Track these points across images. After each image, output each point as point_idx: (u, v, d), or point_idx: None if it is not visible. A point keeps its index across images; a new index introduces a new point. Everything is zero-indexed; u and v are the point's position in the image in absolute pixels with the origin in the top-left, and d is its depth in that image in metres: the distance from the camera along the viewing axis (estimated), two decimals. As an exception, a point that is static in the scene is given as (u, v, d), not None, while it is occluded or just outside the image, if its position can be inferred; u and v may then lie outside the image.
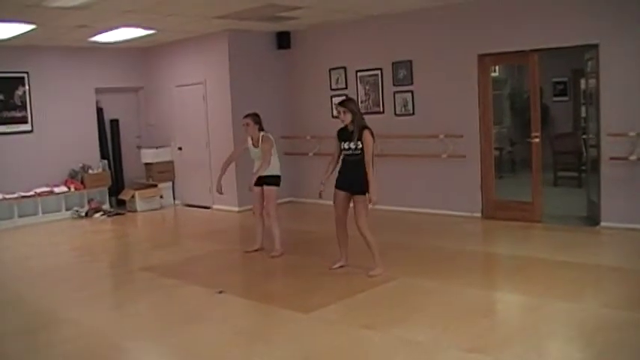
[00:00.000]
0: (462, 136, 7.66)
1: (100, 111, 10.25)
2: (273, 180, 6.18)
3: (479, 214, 7.67)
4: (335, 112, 5.46)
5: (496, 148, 8.56)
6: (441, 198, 7.99)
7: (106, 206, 9.88)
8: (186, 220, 9.33)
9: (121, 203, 10.08)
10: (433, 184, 8.08)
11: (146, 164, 10.32)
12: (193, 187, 10.07)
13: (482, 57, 7.47)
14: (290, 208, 9.39)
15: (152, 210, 9.87)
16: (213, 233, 7.87)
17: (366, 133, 5.17)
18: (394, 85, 8.37)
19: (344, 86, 9.00)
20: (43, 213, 9.25)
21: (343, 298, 4.76)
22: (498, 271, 5.68)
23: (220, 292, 5.03)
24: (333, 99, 9.04)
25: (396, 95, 8.36)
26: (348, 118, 5.23)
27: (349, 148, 5.24)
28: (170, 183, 10.36)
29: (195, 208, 9.91)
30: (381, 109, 8.57)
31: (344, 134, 5.33)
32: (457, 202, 7.83)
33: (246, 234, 7.66)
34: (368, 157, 5.18)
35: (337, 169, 5.43)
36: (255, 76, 9.38)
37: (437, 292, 4.84)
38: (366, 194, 5.19)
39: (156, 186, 10.17)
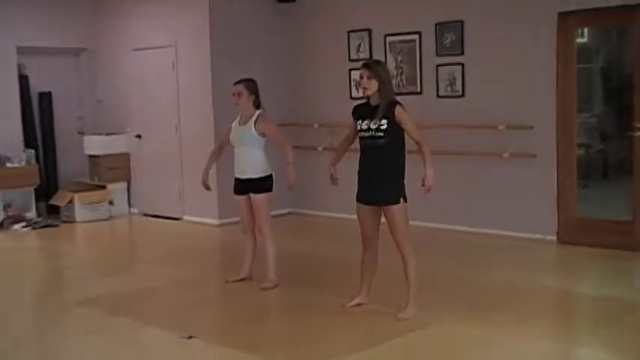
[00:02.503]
0: (531, 128, 7.66)
1: (24, 79, 10.30)
2: (264, 184, 6.16)
3: (553, 237, 7.66)
4: (357, 78, 5.41)
5: (580, 145, 8.51)
6: (501, 213, 7.98)
7: (31, 214, 9.93)
8: (145, 236, 9.36)
9: (54, 211, 10.14)
10: (489, 193, 8.08)
11: (91, 157, 10.38)
12: (157, 190, 10.13)
13: (564, 16, 7.46)
14: (291, 223, 9.40)
15: (98, 221, 9.91)
16: (184, 255, 7.88)
17: (399, 109, 5.17)
18: (438, 55, 8.38)
19: (368, 56, 9.00)
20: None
21: (361, 350, 4.74)
22: (580, 319, 5.65)
23: (190, 338, 5.03)
24: (353, 73, 9.06)
25: (440, 69, 8.37)
26: (373, 86, 5.20)
27: (368, 129, 5.18)
28: (124, 184, 10.43)
29: (160, 220, 9.96)
30: (419, 89, 8.58)
31: (363, 111, 5.31)
32: (523, 219, 7.81)
33: (228, 256, 7.66)
34: (415, 133, 5.24)
35: (358, 170, 5.39)
36: (246, 40, 9.43)
37: (489, 344, 4.80)
38: (401, 201, 5.22)
39: (104, 188, 10.23)
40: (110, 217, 10.08)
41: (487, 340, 4.88)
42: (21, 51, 10.08)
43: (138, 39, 10.11)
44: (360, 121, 5.26)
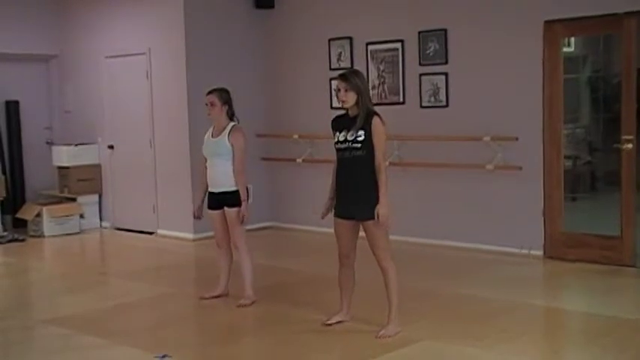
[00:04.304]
0: (516, 139, 7.69)
1: (-10, 88, 10.26)
2: (237, 198, 6.14)
3: (540, 252, 7.69)
4: (334, 89, 5.30)
5: (567, 157, 8.59)
6: (485, 227, 7.99)
7: (-3, 228, 9.87)
8: (118, 251, 9.29)
9: (21, 224, 10.06)
10: (473, 206, 8.09)
11: (60, 168, 10.31)
12: (130, 203, 10.08)
13: (550, 24, 7.51)
14: (270, 237, 9.38)
15: (67, 235, 9.85)
16: (157, 270, 7.87)
17: (377, 121, 5.14)
18: (421, 64, 8.42)
19: (349, 64, 9.02)
20: None
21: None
22: (567, 337, 5.65)
23: (164, 357, 5.00)
24: (333, 83, 9.04)
25: (424, 79, 8.40)
26: (351, 98, 5.18)
27: (345, 140, 5.18)
28: (96, 196, 10.37)
29: (133, 234, 9.90)
30: (401, 99, 8.61)
31: (342, 122, 5.30)
32: (508, 233, 7.83)
33: (203, 272, 7.63)
34: (380, 154, 5.14)
35: (336, 183, 5.40)
36: (223, 48, 9.43)
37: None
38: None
39: (74, 200, 10.17)
40: (80, 231, 10.01)
41: (472, 357, 4.88)
42: (-13, 57, 10.03)
43: (110, 46, 10.05)
44: (337, 133, 5.26)
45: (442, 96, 8.25)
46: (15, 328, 6.04)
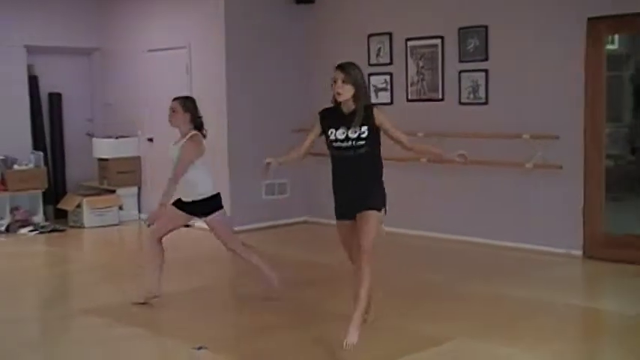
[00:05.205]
0: (557, 137, 7.63)
1: (33, 80, 10.41)
2: (209, 204, 6.06)
3: (579, 252, 7.62)
4: (339, 85, 4.91)
5: (609, 156, 8.49)
6: (523, 226, 7.95)
7: (39, 218, 10.02)
8: (154, 243, 9.41)
9: (61, 215, 10.21)
10: (512, 205, 8.05)
11: (100, 160, 10.45)
12: (167, 196, 10.15)
13: (593, 21, 7.44)
14: (305, 232, 9.40)
15: (107, 226, 9.98)
16: (194, 263, 7.93)
17: (377, 111, 4.97)
18: (461, 60, 8.39)
19: (388, 61, 9.04)
20: (-59, 225, 9.45)
21: (376, 366, 4.75)
22: (605, 338, 5.60)
23: (200, 349, 5.06)
24: (372, 79, 9.09)
25: (463, 75, 8.37)
26: (348, 92, 4.90)
27: (346, 139, 4.91)
28: (135, 189, 10.50)
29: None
30: (440, 95, 8.59)
31: (334, 117, 5.01)
32: (547, 233, 7.79)
33: (240, 265, 7.69)
34: (399, 134, 4.98)
35: (333, 183, 5.16)
36: (263, 41, 9.47)
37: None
38: (383, 209, 5.00)
39: (114, 192, 10.30)
40: (119, 223, 10.14)
41: (508, 357, 4.86)
42: (31, 50, 10.18)
43: (151, 40, 10.16)
44: (332, 130, 4.97)
45: (482, 93, 8.21)
46: (56, 318, 6.16)
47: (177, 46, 9.79)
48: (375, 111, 4.95)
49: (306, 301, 6.22)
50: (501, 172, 8.08)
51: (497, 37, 8.09)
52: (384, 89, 9.09)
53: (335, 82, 4.91)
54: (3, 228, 9.58)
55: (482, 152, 8.10)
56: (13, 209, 9.77)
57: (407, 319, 5.47)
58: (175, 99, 6.20)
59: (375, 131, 4.94)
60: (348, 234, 5.09)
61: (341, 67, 4.93)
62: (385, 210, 5.02)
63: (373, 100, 9.05)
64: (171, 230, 6.18)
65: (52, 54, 10.54)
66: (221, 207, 6.14)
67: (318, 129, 5.11)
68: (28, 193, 9.93)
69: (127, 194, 10.37)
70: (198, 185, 6.04)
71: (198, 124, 6.14)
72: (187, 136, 6.07)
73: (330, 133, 4.98)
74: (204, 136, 6.15)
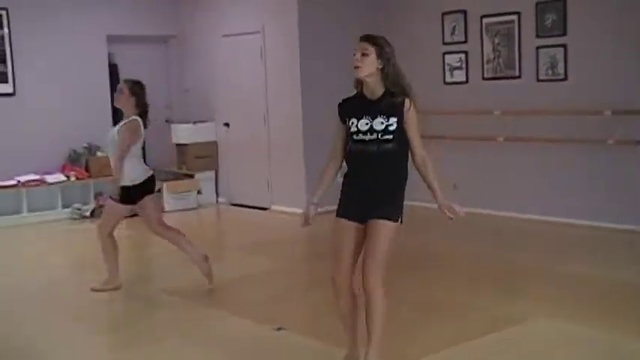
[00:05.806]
0: (639, 113, 7.45)
1: (113, 68, 10.63)
2: (143, 189, 6.13)
3: (663, 231, 7.45)
4: (358, 57, 4.08)
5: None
6: (604, 204, 7.81)
7: (121, 204, 10.29)
8: (233, 226, 9.56)
9: (143, 199, 10.46)
10: (592, 182, 7.91)
11: (179, 146, 10.66)
12: (245, 179, 10.32)
13: (675, -6, 7.22)
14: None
15: (185, 210, 10.18)
16: (271, 245, 8.02)
17: (412, 109, 4.06)
18: (538, 36, 8.25)
19: (463, 39, 8.94)
20: (30, 211, 9.67)
21: (452, 345, 4.75)
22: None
23: (279, 329, 5.14)
24: (446, 57, 9.00)
25: (541, 51, 8.23)
26: (367, 67, 4.04)
27: (370, 130, 4.02)
28: (212, 173, 10.67)
29: (247, 209, 10.14)
30: (517, 72, 8.46)
31: (356, 105, 4.15)
32: (629, 211, 7.64)
33: (316, 248, 7.76)
34: (420, 148, 4.09)
35: (342, 173, 4.29)
36: (335, 23, 9.47)
37: (597, 344, 4.72)
38: (399, 219, 4.09)
39: (192, 177, 10.50)
40: (198, 207, 10.33)
41: (597, 339, 4.80)
42: (111, 39, 10.43)
43: (226, 25, 10.26)
44: (354, 120, 4.07)
45: (560, 69, 8.05)
46: (139, 299, 6.36)
47: (251, 31, 9.88)
48: (408, 102, 4.06)
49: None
50: (581, 150, 7.95)
51: (575, 11, 7.92)
52: (459, 68, 9.00)
53: (357, 54, 4.07)
54: (88, 213, 9.85)
55: (561, 129, 7.98)
56: (97, 195, 10.01)
57: (480, 297, 5.42)
58: (125, 80, 6.26)
59: (405, 127, 4.08)
60: (347, 240, 4.12)
61: (364, 37, 4.12)
62: (401, 220, 4.11)
63: (448, 78, 9.03)
64: (116, 224, 6.34)
65: (131, 42, 10.77)
66: (152, 191, 6.24)
67: (342, 131, 4.19)
68: (110, 179, 10.12)
69: (204, 178, 10.55)
70: (130, 171, 6.08)
71: (142, 111, 6.14)
72: (127, 120, 6.08)
73: (351, 123, 4.09)
74: (146, 126, 6.16)
